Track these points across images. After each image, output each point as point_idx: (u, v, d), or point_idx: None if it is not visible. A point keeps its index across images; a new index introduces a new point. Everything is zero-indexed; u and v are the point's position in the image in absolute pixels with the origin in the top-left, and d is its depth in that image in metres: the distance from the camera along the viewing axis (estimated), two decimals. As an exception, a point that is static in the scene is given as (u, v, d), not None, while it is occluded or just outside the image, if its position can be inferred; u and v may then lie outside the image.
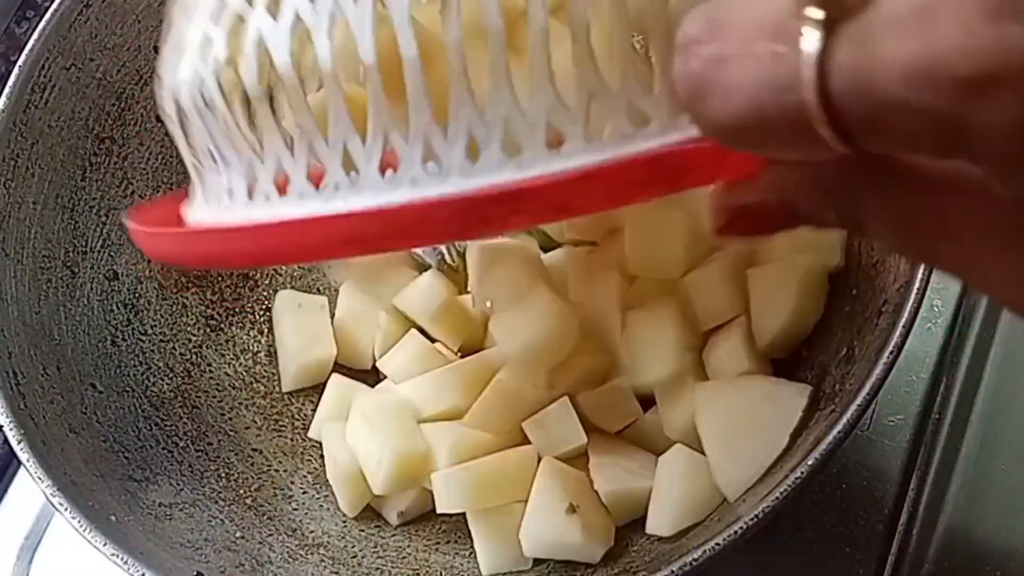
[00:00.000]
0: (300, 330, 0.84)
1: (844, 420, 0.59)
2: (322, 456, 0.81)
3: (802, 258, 0.70)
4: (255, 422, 0.82)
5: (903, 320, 0.60)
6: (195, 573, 0.65)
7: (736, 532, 0.57)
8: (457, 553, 0.74)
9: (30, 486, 0.89)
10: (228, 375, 0.84)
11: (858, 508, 0.77)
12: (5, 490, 0.92)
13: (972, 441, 0.79)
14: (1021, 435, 0.78)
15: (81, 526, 0.63)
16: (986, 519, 0.76)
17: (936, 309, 0.83)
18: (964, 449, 0.78)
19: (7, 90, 0.76)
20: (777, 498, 0.58)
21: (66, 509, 0.64)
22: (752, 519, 0.57)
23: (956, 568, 0.75)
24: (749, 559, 0.76)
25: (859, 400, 0.59)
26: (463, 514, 0.71)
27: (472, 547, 0.72)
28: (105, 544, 0.63)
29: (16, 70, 0.77)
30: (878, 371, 0.59)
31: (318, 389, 0.83)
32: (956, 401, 0.80)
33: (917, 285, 0.60)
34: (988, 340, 0.82)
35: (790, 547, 0.77)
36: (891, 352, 0.60)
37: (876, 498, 0.77)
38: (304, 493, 0.79)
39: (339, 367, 0.83)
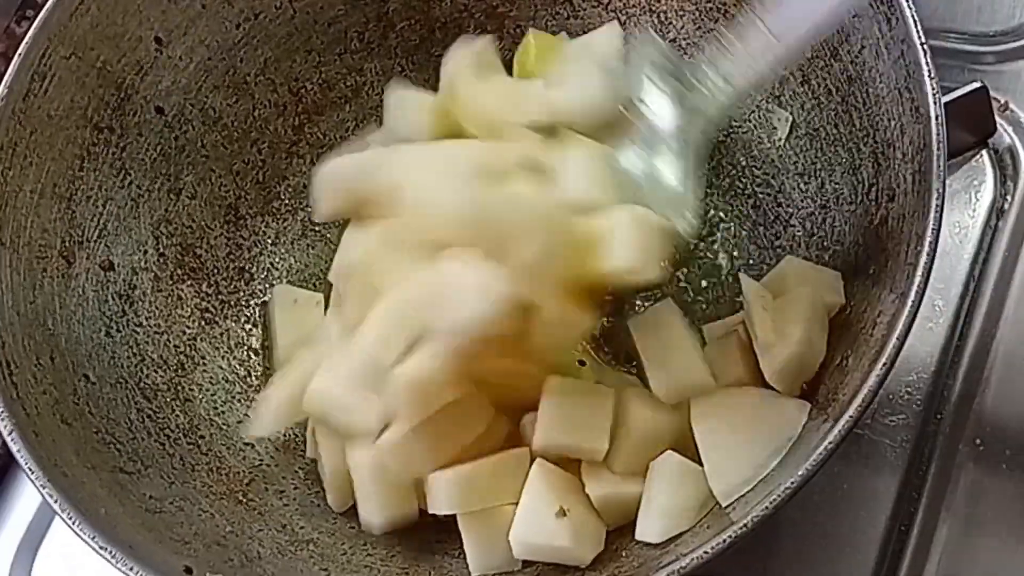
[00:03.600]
0: (295, 326, 0.84)
1: (836, 431, 0.59)
2: (315, 451, 0.81)
3: (805, 290, 0.70)
4: (248, 416, 0.81)
5: (897, 332, 0.60)
6: (183, 568, 0.65)
7: (724, 541, 0.57)
8: (447, 553, 0.74)
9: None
10: (222, 368, 0.84)
11: (858, 508, 0.77)
12: (7, 488, 0.92)
13: (973, 441, 0.79)
14: (1023, 435, 0.78)
15: (70, 518, 0.63)
16: (987, 520, 0.76)
17: (938, 309, 0.83)
18: (965, 449, 0.78)
19: (7, 78, 0.76)
20: (766, 508, 0.58)
21: (56, 501, 0.64)
22: (741, 528, 0.57)
23: (957, 569, 0.75)
24: (749, 559, 0.76)
25: (851, 412, 0.59)
26: (454, 514, 0.71)
27: (462, 547, 0.72)
28: (94, 537, 0.62)
29: (16, 58, 0.77)
30: (871, 383, 0.59)
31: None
32: (957, 401, 0.80)
33: (912, 298, 0.60)
34: (989, 340, 0.82)
35: (790, 547, 0.77)
36: (884, 364, 0.60)
37: (876, 498, 0.77)
38: (296, 489, 0.79)
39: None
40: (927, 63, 0.65)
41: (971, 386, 0.80)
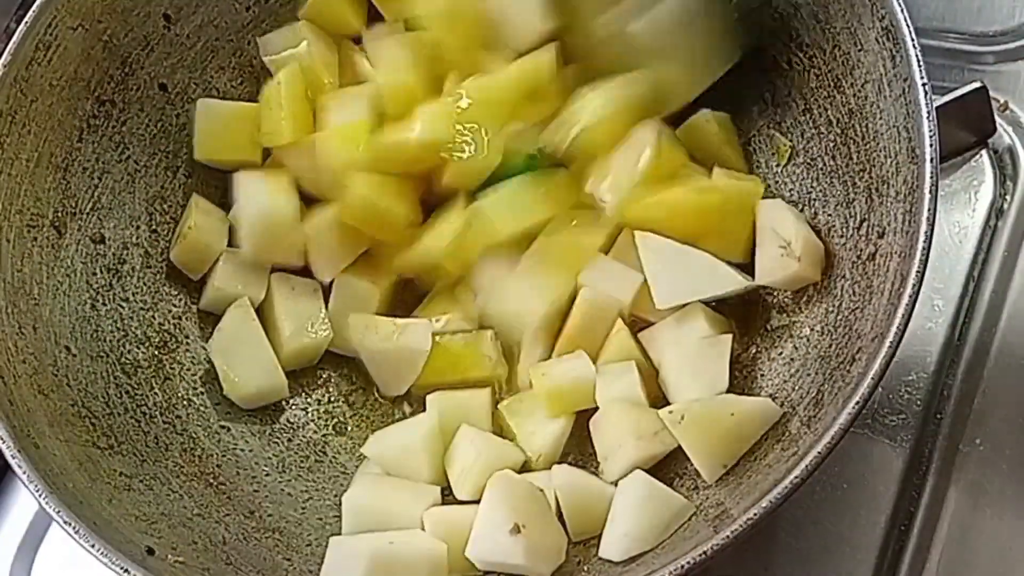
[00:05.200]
0: (294, 313, 0.83)
1: (802, 466, 0.59)
2: (290, 439, 0.81)
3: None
4: (227, 398, 0.81)
5: (872, 372, 0.60)
6: (145, 548, 0.65)
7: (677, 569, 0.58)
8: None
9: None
10: (205, 348, 0.84)
11: (858, 508, 0.78)
12: (7, 490, 0.92)
13: (973, 441, 0.79)
14: (1022, 435, 0.78)
15: (38, 491, 0.64)
16: (987, 519, 0.76)
17: (937, 309, 0.83)
18: (965, 449, 0.79)
19: (11, 45, 0.76)
20: (726, 537, 0.58)
21: (24, 473, 0.64)
22: (697, 557, 0.58)
23: (957, 568, 0.75)
24: (749, 558, 0.76)
25: (819, 448, 0.59)
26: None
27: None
28: (59, 511, 0.63)
29: (23, 26, 0.77)
30: (841, 421, 0.59)
31: (295, 372, 0.84)
32: (957, 401, 0.80)
33: (890, 339, 0.60)
34: (989, 340, 0.82)
35: (790, 547, 0.77)
36: (857, 403, 0.60)
37: (876, 498, 0.78)
38: (267, 475, 0.79)
39: (330, 353, 0.84)
40: (927, 104, 0.65)
41: (971, 386, 0.81)
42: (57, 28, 0.78)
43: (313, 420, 0.83)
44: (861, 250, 0.70)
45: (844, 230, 0.72)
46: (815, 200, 0.77)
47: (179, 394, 0.80)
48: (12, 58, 0.76)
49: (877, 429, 0.80)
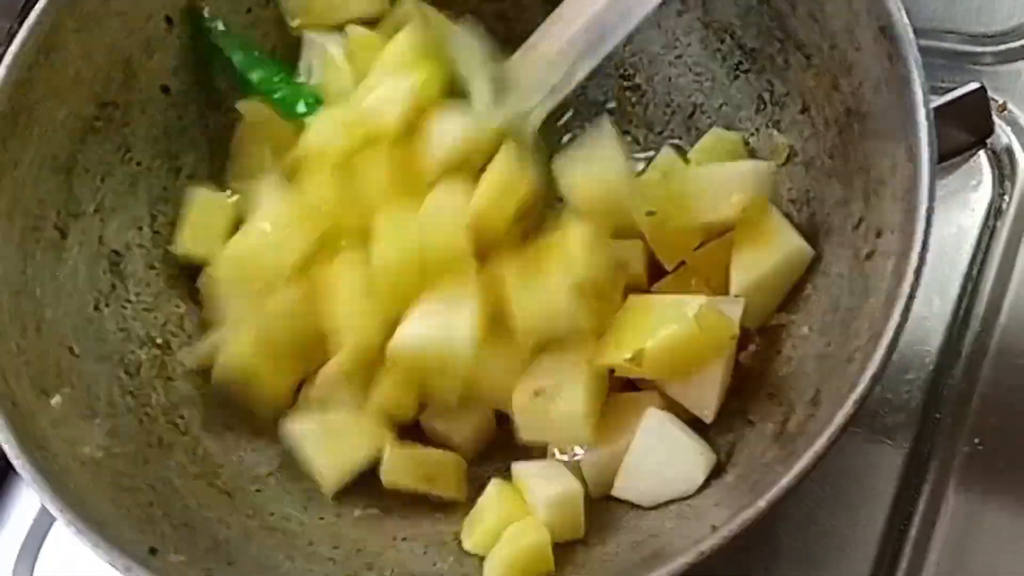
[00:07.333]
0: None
1: (800, 466, 0.59)
2: (291, 440, 0.82)
3: None
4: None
5: (871, 372, 0.60)
6: (148, 548, 0.65)
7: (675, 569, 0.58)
8: (411, 551, 0.75)
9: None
10: (208, 349, 0.84)
11: (858, 508, 0.78)
12: (9, 490, 0.92)
13: (973, 441, 0.79)
14: (1021, 435, 0.78)
15: (41, 491, 0.64)
16: (985, 519, 0.76)
17: (936, 309, 0.83)
18: (965, 449, 0.79)
19: (13, 49, 0.76)
20: (726, 537, 0.58)
21: (28, 473, 0.65)
22: (696, 557, 0.58)
23: (956, 568, 0.75)
24: (749, 559, 0.77)
25: (817, 448, 0.59)
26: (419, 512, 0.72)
27: (425, 545, 0.73)
28: (62, 512, 0.63)
29: (24, 29, 0.77)
30: (838, 420, 0.60)
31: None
32: (956, 401, 0.80)
33: (887, 338, 0.61)
34: (987, 339, 0.82)
35: (790, 547, 0.77)
36: (855, 402, 0.60)
37: (876, 498, 0.78)
38: (269, 475, 0.79)
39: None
40: (924, 104, 0.65)
41: (970, 385, 0.81)
42: (58, 30, 0.78)
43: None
44: (859, 250, 0.70)
45: (842, 229, 0.73)
46: (813, 200, 0.77)
47: (181, 394, 0.81)
48: (14, 61, 0.76)
49: (876, 429, 0.80)
